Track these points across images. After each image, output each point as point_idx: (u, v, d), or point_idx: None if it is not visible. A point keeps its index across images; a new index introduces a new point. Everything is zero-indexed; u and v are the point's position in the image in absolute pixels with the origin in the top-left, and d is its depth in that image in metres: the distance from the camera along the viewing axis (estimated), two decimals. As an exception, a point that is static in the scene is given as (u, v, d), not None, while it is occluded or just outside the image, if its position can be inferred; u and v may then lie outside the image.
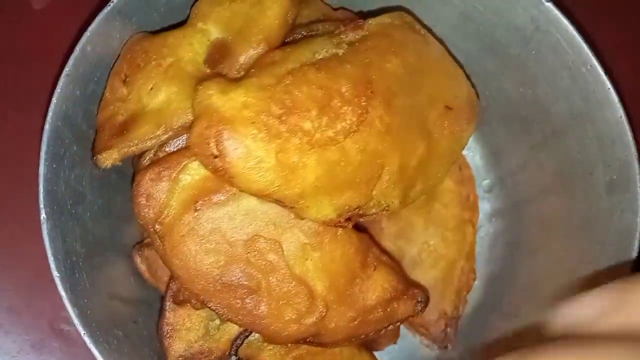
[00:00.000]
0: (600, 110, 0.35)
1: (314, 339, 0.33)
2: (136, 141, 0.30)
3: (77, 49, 0.33)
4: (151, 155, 0.31)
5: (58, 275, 0.30)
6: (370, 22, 0.33)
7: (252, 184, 0.28)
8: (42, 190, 0.31)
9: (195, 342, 0.34)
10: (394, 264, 0.36)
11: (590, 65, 0.35)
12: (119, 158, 0.30)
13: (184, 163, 0.30)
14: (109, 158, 0.30)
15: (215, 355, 0.34)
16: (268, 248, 0.30)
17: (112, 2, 0.33)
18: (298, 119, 0.28)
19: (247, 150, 0.27)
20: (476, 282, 0.42)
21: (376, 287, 0.34)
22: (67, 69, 0.32)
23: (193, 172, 0.30)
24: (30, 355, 0.41)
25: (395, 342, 0.41)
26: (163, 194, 0.30)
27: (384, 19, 0.34)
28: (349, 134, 0.29)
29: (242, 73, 0.30)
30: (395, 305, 0.35)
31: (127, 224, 0.38)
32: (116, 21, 0.34)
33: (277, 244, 0.31)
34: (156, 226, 0.31)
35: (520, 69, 0.39)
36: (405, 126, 0.31)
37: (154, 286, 0.37)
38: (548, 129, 0.38)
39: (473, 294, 0.42)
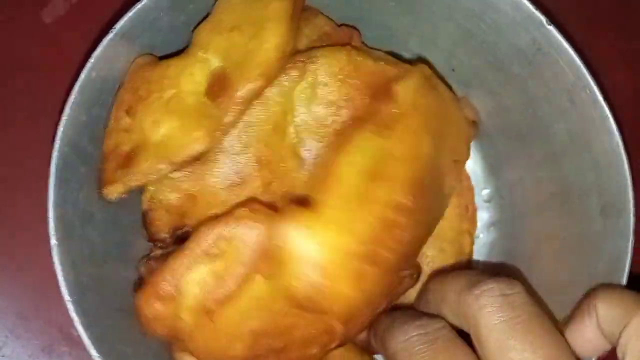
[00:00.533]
0: (598, 135, 0.35)
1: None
2: (139, 176, 0.31)
3: (82, 75, 0.33)
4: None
5: (70, 299, 0.32)
6: (399, 91, 0.34)
7: None
8: (51, 217, 0.32)
9: None
10: None
11: (589, 90, 0.35)
12: (124, 192, 0.31)
13: (180, 275, 0.30)
14: (115, 192, 0.31)
15: None
16: (284, 314, 0.32)
17: (116, 27, 0.34)
18: (377, 255, 0.31)
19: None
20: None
21: None
22: (72, 97, 0.33)
23: (191, 281, 0.31)
24: (40, 358, 0.44)
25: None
26: (169, 312, 0.31)
27: (410, 83, 0.35)
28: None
29: (240, 107, 0.31)
30: (396, 289, 0.37)
31: (132, 235, 0.39)
32: (120, 45, 0.34)
33: (289, 308, 0.31)
34: (176, 340, 0.32)
35: (521, 87, 0.39)
36: (430, 206, 0.34)
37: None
38: (546, 149, 0.39)
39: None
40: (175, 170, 0.31)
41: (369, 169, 0.32)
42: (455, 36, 0.40)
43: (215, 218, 0.32)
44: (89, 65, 0.34)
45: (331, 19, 0.39)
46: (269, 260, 0.31)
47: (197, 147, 0.31)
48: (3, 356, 0.44)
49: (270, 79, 0.32)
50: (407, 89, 0.34)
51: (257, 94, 0.31)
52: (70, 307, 0.32)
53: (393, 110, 0.34)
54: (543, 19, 0.35)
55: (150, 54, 0.36)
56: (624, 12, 0.50)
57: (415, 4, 0.39)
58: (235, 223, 0.31)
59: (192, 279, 0.31)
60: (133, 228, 0.39)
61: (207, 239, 0.31)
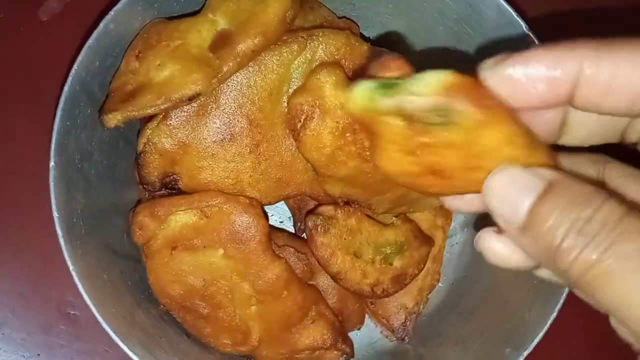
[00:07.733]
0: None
1: (249, 356, 0.41)
2: (138, 107, 0.34)
3: (101, 25, 0.37)
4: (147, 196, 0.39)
5: (57, 215, 0.34)
6: None
7: (307, 154, 0.34)
8: (54, 142, 0.35)
9: None
10: (334, 319, 0.42)
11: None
12: (122, 120, 0.34)
13: (173, 209, 0.37)
14: (113, 119, 0.34)
15: None
16: (221, 292, 0.38)
17: (138, -13, 0.38)
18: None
19: (320, 136, 0.33)
20: (440, 285, 0.45)
21: (309, 336, 0.41)
22: (89, 41, 0.36)
23: (178, 219, 0.37)
24: (39, 336, 0.46)
25: (359, 329, 0.44)
26: (153, 227, 0.37)
27: None
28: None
29: (238, 59, 0.34)
30: (322, 352, 0.42)
31: (127, 187, 0.42)
32: (139, 6, 0.38)
33: (229, 290, 0.38)
34: (144, 248, 0.38)
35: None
36: None
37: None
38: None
39: (436, 294, 0.45)
40: (171, 108, 0.34)
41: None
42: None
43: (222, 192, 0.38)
44: (108, 16, 0.37)
45: (333, 12, 0.43)
46: (235, 244, 0.37)
47: (193, 88, 0.34)
48: (3, 334, 0.45)
49: (269, 40, 0.35)
50: None
51: (255, 51, 0.35)
52: (56, 221, 0.34)
53: None
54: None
55: (166, 18, 0.39)
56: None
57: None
58: (234, 204, 0.37)
59: (179, 219, 0.37)
60: (129, 181, 0.42)
61: (207, 200, 0.37)
